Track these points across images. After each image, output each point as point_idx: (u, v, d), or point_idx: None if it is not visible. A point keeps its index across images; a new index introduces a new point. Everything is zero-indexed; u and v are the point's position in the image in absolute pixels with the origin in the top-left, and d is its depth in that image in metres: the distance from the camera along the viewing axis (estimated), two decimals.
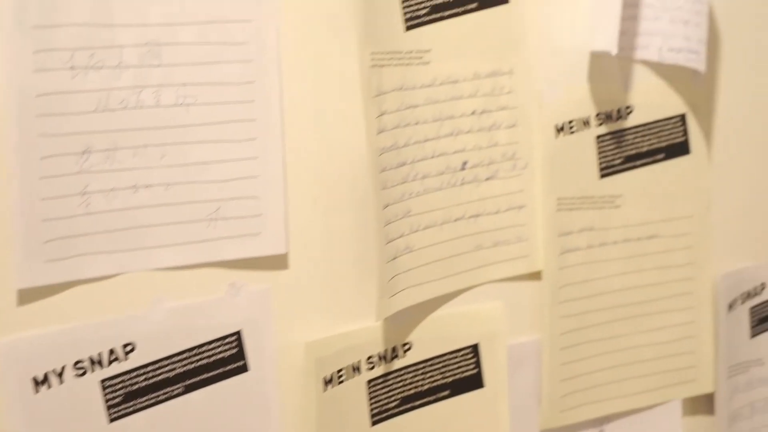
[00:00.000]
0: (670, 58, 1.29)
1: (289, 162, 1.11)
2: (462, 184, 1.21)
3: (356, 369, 1.17)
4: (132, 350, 1.07)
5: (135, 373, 1.07)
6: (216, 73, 1.08)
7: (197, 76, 1.07)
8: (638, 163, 1.32)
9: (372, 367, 1.18)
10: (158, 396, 1.08)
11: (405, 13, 1.16)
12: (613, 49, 1.22)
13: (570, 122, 1.27)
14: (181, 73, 1.06)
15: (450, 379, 1.24)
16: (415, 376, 1.21)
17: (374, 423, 1.19)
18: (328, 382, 1.14)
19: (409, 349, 1.21)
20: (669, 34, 1.29)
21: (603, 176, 1.30)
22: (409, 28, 1.16)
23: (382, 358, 1.19)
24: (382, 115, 1.14)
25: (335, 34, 1.12)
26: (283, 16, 1.10)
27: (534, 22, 1.24)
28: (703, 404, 1.41)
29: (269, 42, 1.09)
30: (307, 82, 1.11)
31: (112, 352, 1.06)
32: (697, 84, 1.34)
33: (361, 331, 1.17)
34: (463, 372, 1.24)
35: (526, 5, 1.23)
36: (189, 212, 1.08)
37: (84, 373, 1.04)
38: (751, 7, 1.38)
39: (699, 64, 1.28)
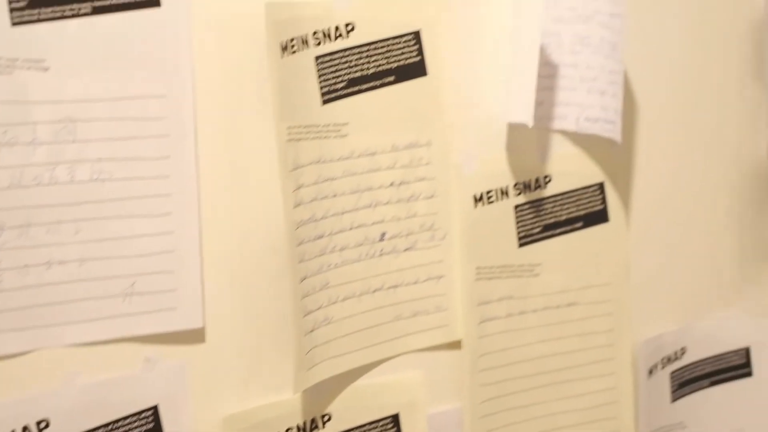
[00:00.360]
0: (587, 128, 1.31)
1: (205, 236, 1.11)
2: (381, 255, 1.22)
3: None
4: (46, 426, 1.06)
5: None
6: (131, 148, 1.08)
7: (112, 151, 1.07)
8: (557, 231, 1.34)
9: None
10: None
11: (322, 87, 1.17)
12: (529, 122, 1.24)
13: (488, 192, 1.28)
14: (96, 148, 1.06)
15: None
16: None
17: None
18: None
19: (328, 420, 1.21)
20: (586, 104, 1.31)
21: (522, 245, 1.31)
22: (326, 101, 1.17)
23: (301, 430, 1.19)
24: (299, 188, 1.15)
25: (252, 108, 1.12)
26: (199, 91, 1.10)
27: (452, 93, 1.25)
28: None
29: (185, 117, 1.10)
30: (224, 157, 1.12)
31: (25, 429, 1.05)
32: (614, 153, 1.36)
33: (280, 404, 1.17)
34: None
35: (444, 77, 1.25)
36: (104, 288, 1.08)
37: None
38: (667, 78, 1.41)
39: (615, 134, 1.30)
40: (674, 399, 1.47)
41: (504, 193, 1.29)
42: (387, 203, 1.22)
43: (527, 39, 1.26)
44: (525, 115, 1.25)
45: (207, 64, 1.11)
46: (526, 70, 1.26)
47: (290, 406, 1.18)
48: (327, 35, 1.17)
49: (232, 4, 1.11)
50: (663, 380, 1.45)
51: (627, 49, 1.32)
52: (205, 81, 1.11)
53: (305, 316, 1.15)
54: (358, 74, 1.19)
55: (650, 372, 1.42)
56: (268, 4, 1.12)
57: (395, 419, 1.25)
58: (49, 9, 1.03)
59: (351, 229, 1.20)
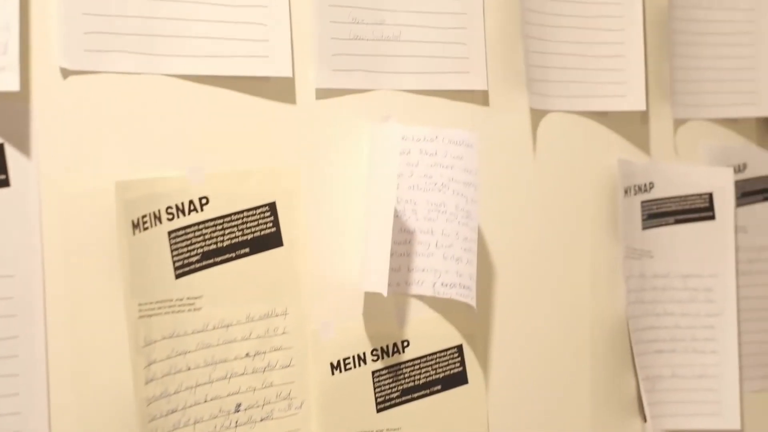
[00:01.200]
0: (444, 293, 1.33)
1: (53, 417, 1.11)
2: (236, 426, 1.22)
3: None
4: None
5: None
6: None
7: None
8: (416, 395, 1.35)
9: None
10: None
11: (175, 262, 1.18)
12: (384, 291, 1.26)
13: (345, 359, 1.30)
14: None
15: None
16: None
17: None
18: None
19: None
20: (442, 270, 1.33)
21: (380, 410, 1.32)
22: (179, 276, 1.18)
23: None
24: (150, 364, 1.15)
25: (102, 286, 1.13)
26: (48, 269, 1.10)
27: (308, 262, 1.27)
28: None
29: (34, 296, 1.10)
30: (74, 335, 1.12)
31: None
32: (472, 315, 1.38)
33: None
34: None
35: (300, 247, 1.26)
36: None
37: None
38: (522, 240, 1.45)
39: (470, 299, 1.33)
40: None
41: (361, 359, 1.31)
42: (242, 374, 1.23)
43: (381, 208, 1.29)
44: (380, 285, 1.27)
45: (56, 243, 1.11)
46: (380, 239, 1.28)
47: None
48: (181, 210, 1.18)
49: (81, 182, 1.12)
50: None
51: (483, 214, 1.36)
52: (54, 259, 1.11)
53: None
54: (212, 247, 1.21)
55: None
56: (118, 183, 1.13)
57: None
58: None
59: (205, 401, 1.20)
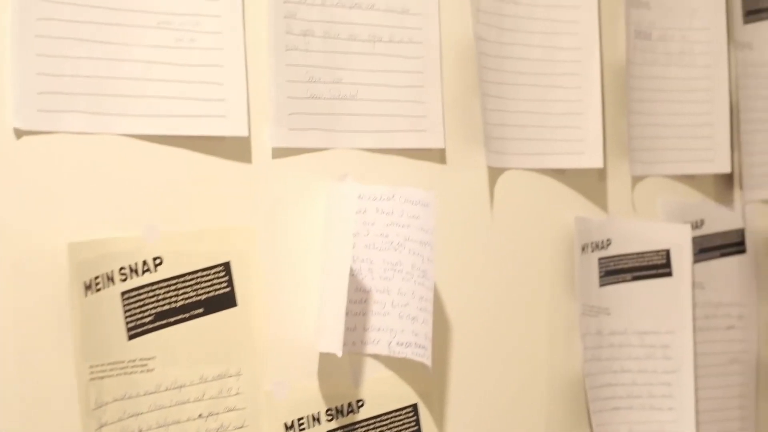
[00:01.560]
0: (400, 353, 1.33)
1: None
2: None
3: None
4: None
5: None
6: None
7: None
8: None
9: None
10: None
11: (128, 323, 1.17)
12: (338, 352, 1.26)
13: (300, 420, 1.30)
14: None
15: None
16: None
17: None
18: None
19: None
20: (398, 329, 1.33)
21: None
22: (132, 336, 1.17)
23: None
24: (102, 427, 1.14)
25: (52, 348, 1.12)
26: None
27: (263, 322, 1.26)
28: None
29: None
30: (23, 399, 1.11)
31: None
32: (427, 374, 1.37)
33: None
34: None
35: (255, 307, 1.26)
36: None
37: None
38: (479, 299, 1.45)
39: (426, 359, 1.33)
40: None
41: (316, 419, 1.30)
42: None
43: (337, 267, 1.29)
44: (334, 345, 1.27)
45: (7, 304, 1.11)
46: (335, 298, 1.28)
47: None
48: (134, 270, 1.18)
49: (34, 243, 1.12)
50: None
51: (441, 272, 1.36)
52: (4, 320, 1.11)
53: None
54: (166, 307, 1.20)
55: None
56: (71, 244, 1.12)
57: None
58: None
59: None
